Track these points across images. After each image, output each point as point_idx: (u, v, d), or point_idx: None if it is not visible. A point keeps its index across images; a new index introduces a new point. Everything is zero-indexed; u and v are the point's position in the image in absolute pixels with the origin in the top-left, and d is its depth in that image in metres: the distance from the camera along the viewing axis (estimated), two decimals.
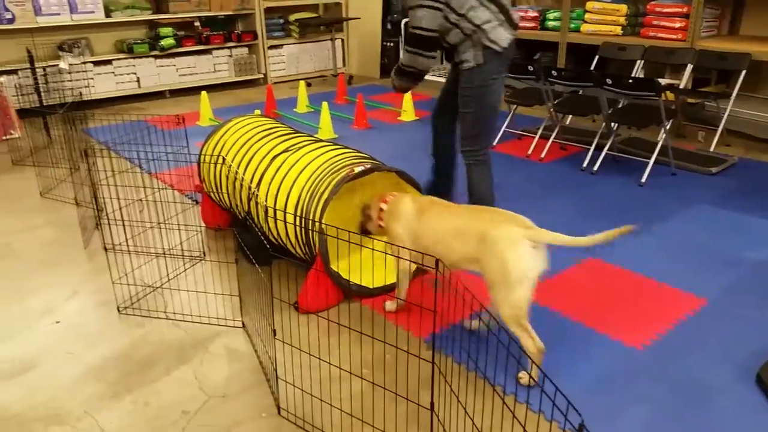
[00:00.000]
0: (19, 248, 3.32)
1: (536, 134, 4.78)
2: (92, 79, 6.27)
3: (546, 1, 6.63)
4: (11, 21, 5.79)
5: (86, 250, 3.27)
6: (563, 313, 2.61)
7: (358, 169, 2.64)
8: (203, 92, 5.71)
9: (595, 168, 4.29)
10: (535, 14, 6.05)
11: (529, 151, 4.71)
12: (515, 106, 4.93)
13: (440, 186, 3.54)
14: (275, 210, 2.75)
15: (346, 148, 2.96)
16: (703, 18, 4.90)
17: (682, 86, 4.90)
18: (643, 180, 4.06)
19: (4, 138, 5.16)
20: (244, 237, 2.86)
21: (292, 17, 7.67)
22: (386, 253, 2.77)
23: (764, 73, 4.96)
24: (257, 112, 5.20)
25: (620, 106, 4.53)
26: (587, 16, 5.61)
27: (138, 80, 6.63)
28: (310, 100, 6.36)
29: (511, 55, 2.90)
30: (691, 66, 4.83)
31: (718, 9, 5.13)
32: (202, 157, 3.31)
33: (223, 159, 3.09)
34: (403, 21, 7.20)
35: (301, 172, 2.75)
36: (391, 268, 2.84)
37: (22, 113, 5.27)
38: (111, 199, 3.63)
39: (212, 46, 7.05)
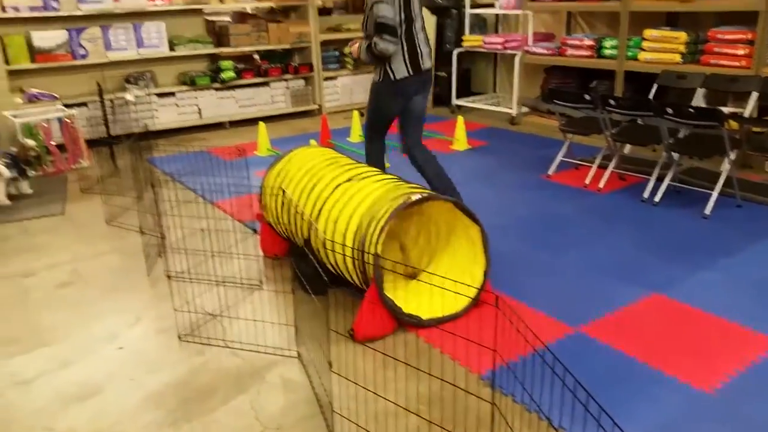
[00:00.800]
0: (86, 274, 3.45)
1: (594, 164, 4.70)
2: (156, 110, 6.53)
3: (601, 29, 6.56)
4: (84, 57, 6.12)
5: (149, 277, 3.38)
6: (626, 352, 2.53)
7: (415, 197, 2.66)
8: (261, 123, 5.87)
9: (657, 199, 4.17)
10: (591, 42, 5.99)
11: (587, 181, 4.63)
12: (571, 134, 4.87)
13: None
14: (333, 242, 2.78)
15: (406, 181, 2.98)
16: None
17: (746, 115, 4.73)
18: (707, 212, 3.92)
19: (73, 167, 5.42)
20: (301, 266, 2.90)
21: (347, 49, 7.83)
22: (440, 287, 2.76)
23: None
24: (312, 142, 5.30)
25: (681, 135, 4.41)
26: (645, 44, 5.51)
27: (199, 111, 6.87)
28: (363, 129, 6.44)
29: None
30: (757, 94, 4.67)
31: None
32: (263, 187, 3.39)
33: (284, 192, 3.15)
34: (455, 51, 7.25)
35: (361, 201, 2.78)
36: (447, 299, 2.82)
37: (91, 143, 5.53)
38: (173, 228, 3.75)
39: (270, 78, 7.25)
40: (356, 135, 6.27)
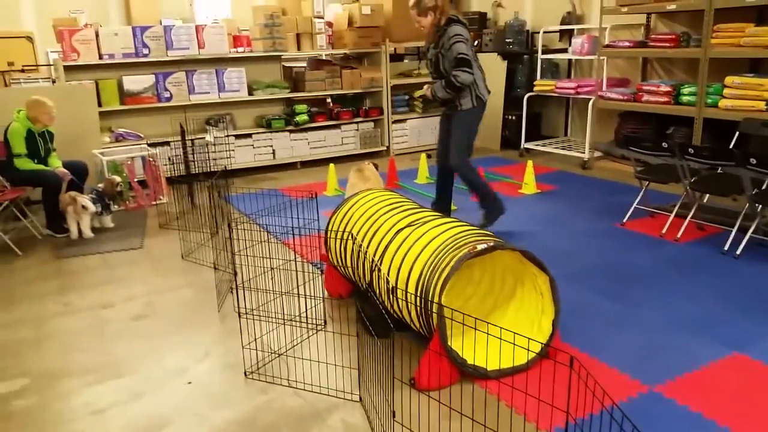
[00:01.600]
0: (160, 307, 3.58)
1: (671, 212, 4.52)
2: (233, 150, 6.81)
3: (678, 75, 6.40)
4: (169, 99, 6.48)
5: (219, 312, 3.47)
6: (705, 415, 2.38)
7: (480, 247, 2.63)
8: (331, 165, 6.00)
9: (738, 252, 3.96)
10: (668, 89, 5.84)
11: (664, 230, 4.45)
12: (647, 182, 4.72)
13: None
14: (396, 288, 2.78)
15: (470, 225, 2.96)
16: None
17: None
18: None
19: (153, 203, 5.69)
20: (365, 308, 2.90)
21: (417, 94, 7.95)
22: (501, 339, 2.69)
23: None
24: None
25: (765, 186, 4.19)
26: (726, 91, 5.32)
27: (273, 152, 7.10)
28: (430, 171, 6.46)
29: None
30: None
31: None
32: (329, 231, 3.44)
33: (352, 236, 3.19)
34: (526, 96, 7.23)
35: (424, 247, 2.78)
36: (510, 351, 2.75)
37: (171, 181, 5.80)
38: (244, 265, 3.85)
39: (341, 121, 7.44)
40: (423, 176, 6.31)
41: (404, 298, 2.76)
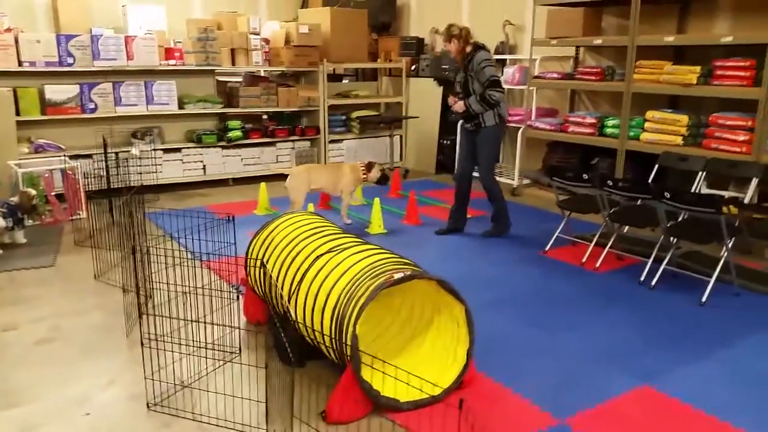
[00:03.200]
0: (67, 331, 3.39)
1: (591, 241, 4.64)
2: (160, 165, 6.60)
3: (604, 107, 6.64)
4: (93, 110, 6.24)
5: (128, 338, 3.31)
6: None
7: (397, 276, 2.60)
8: (262, 184, 5.90)
9: (653, 282, 4.09)
10: (593, 120, 6.04)
11: (584, 259, 4.56)
12: (569, 211, 4.83)
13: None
14: (307, 327, 2.72)
15: (390, 252, 2.94)
16: (767, 131, 4.76)
17: (747, 201, 4.70)
18: (704, 299, 3.83)
19: (71, 218, 5.43)
20: (279, 336, 2.83)
21: (354, 114, 7.96)
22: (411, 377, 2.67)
23: None
24: (310, 206, 5.30)
25: (680, 219, 4.36)
26: (647, 125, 5.55)
27: (204, 168, 6.93)
28: (364, 192, 6.45)
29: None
30: (756, 180, 4.65)
31: None
32: (248, 254, 3.35)
33: (263, 264, 3.11)
34: (460, 122, 7.33)
35: (342, 275, 2.73)
36: (426, 383, 2.73)
37: (92, 195, 5.55)
38: (159, 287, 3.70)
39: (276, 139, 7.35)
40: (358, 197, 6.28)
41: (314, 328, 2.70)
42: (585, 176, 4.43)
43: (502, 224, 5.17)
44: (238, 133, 7.02)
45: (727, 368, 3.05)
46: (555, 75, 6.40)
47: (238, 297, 3.46)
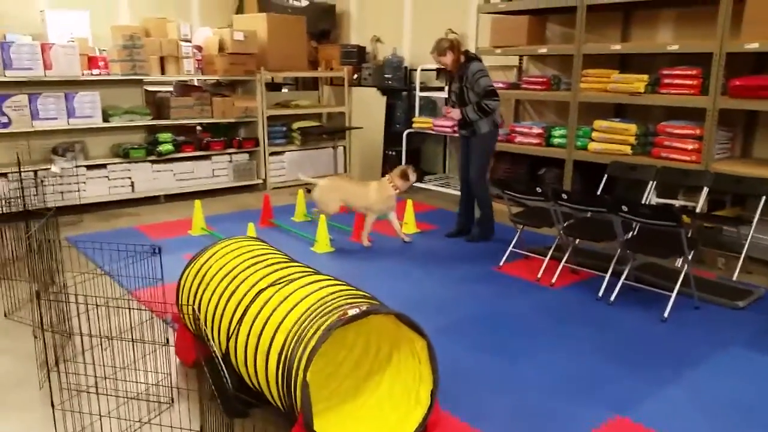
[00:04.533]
0: None
1: (546, 255, 4.49)
2: (84, 183, 6.08)
3: (550, 117, 6.56)
4: (6, 125, 5.67)
5: (41, 391, 2.88)
6: None
7: (351, 312, 2.31)
8: (197, 201, 5.49)
9: (612, 298, 3.96)
10: (540, 131, 5.94)
11: (539, 275, 4.40)
12: (522, 226, 4.67)
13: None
14: (249, 373, 2.40)
15: (343, 283, 2.64)
16: (716, 140, 4.74)
17: (698, 210, 4.66)
18: (666, 315, 3.72)
19: None
20: (218, 381, 2.49)
21: (295, 125, 7.62)
22: None
23: None
24: (251, 225, 4.93)
25: (636, 231, 4.26)
26: (594, 134, 5.48)
27: (132, 185, 6.45)
28: (309, 207, 6.12)
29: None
30: (707, 189, 4.61)
31: (730, 131, 4.99)
32: (180, 288, 2.99)
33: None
34: (405, 132, 7.12)
35: (289, 312, 2.42)
36: (382, 426, 2.45)
37: (7, 218, 5.01)
38: (80, 325, 3.28)
39: (212, 152, 6.93)
40: (300, 214, 5.95)
41: (258, 373, 2.37)
42: (538, 189, 4.27)
43: (487, 230, 5.28)
44: (170, 147, 6.57)
45: (697, 392, 2.90)
46: (500, 85, 6.27)
47: (167, 341, 3.06)
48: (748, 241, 4.33)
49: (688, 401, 2.82)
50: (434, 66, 7.27)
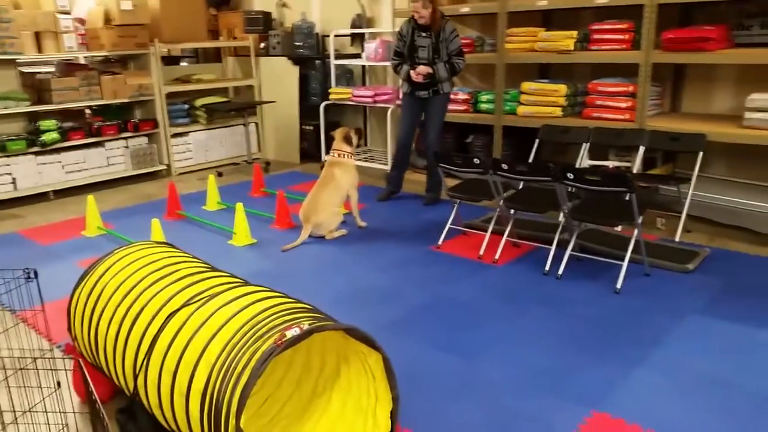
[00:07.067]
0: None
1: (486, 230, 4.19)
2: None
3: (473, 82, 6.25)
4: None
5: None
6: None
7: (290, 333, 1.88)
8: (89, 197, 4.78)
9: (560, 272, 3.71)
10: (466, 96, 5.62)
11: (481, 252, 4.10)
12: (459, 201, 4.34)
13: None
14: (166, 417, 1.92)
15: (275, 294, 2.19)
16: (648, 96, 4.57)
17: (635, 170, 4.51)
18: (618, 286, 3.51)
19: None
20: (129, 426, 2.01)
21: (199, 102, 6.93)
22: None
23: (713, 152, 4.66)
24: (155, 222, 4.29)
25: (581, 201, 4.02)
26: (523, 97, 5.21)
27: (14, 182, 5.62)
28: (222, 193, 5.55)
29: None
30: (644, 148, 4.45)
31: (660, 87, 4.85)
32: (71, 310, 2.44)
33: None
34: (322, 104, 6.62)
35: (211, 338, 1.95)
36: None
37: None
38: None
39: (105, 138, 6.16)
40: (213, 202, 5.37)
41: (176, 419, 1.91)
42: (476, 161, 3.94)
43: (438, 191, 5.31)
44: (55, 135, 5.76)
45: (669, 373, 2.69)
46: None
47: (59, 384, 2.49)
48: (689, 199, 4.21)
49: (662, 384, 2.60)
50: (349, 31, 6.77)
